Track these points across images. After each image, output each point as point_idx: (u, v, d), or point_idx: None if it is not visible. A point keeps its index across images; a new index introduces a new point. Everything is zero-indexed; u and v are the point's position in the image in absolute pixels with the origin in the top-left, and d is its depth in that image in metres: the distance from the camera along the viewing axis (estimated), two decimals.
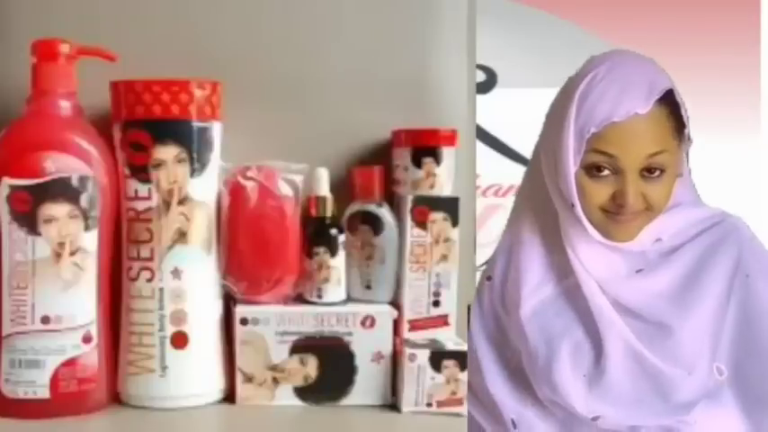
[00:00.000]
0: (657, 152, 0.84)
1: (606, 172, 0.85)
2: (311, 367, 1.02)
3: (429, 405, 1.01)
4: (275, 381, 1.02)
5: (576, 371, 0.87)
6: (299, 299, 1.05)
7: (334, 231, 1.05)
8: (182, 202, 1.00)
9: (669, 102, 0.85)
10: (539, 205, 0.93)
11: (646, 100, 0.83)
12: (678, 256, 0.89)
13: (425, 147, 1.06)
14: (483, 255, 1.46)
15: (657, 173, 0.85)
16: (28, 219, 0.95)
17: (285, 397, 1.02)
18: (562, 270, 0.91)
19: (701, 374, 0.86)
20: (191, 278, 1.00)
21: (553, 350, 0.88)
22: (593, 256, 0.89)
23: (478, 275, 1.09)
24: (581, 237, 0.88)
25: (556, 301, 0.91)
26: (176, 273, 1.00)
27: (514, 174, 1.62)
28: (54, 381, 0.96)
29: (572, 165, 0.85)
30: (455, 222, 1.06)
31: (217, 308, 1.04)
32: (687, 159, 0.90)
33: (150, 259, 1.00)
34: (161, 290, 1.00)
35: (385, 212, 1.07)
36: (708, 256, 0.88)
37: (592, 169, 0.85)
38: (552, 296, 0.91)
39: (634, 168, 0.84)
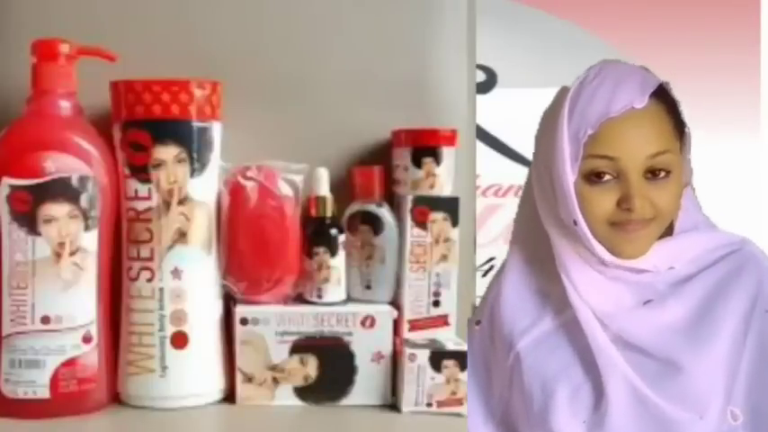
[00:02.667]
0: (660, 152, 0.78)
1: (607, 177, 0.79)
2: (311, 367, 1.02)
3: (429, 405, 1.01)
4: (275, 381, 1.02)
5: (574, 417, 0.80)
6: (299, 299, 1.05)
7: (334, 231, 1.05)
8: (182, 202, 1.00)
9: (665, 100, 0.80)
10: (531, 236, 0.86)
11: (641, 93, 0.78)
12: (690, 286, 0.81)
13: (425, 147, 1.06)
14: (483, 255, 1.46)
15: (663, 175, 0.79)
16: (28, 219, 0.95)
17: (285, 397, 1.02)
18: (558, 303, 0.84)
19: (714, 419, 0.77)
20: (191, 278, 1.00)
21: (549, 394, 0.81)
22: (593, 286, 0.82)
23: (479, 275, 1.09)
24: (579, 265, 0.82)
25: (551, 337, 0.84)
26: (176, 273, 1.00)
27: (514, 174, 1.63)
28: (54, 381, 0.96)
29: (570, 174, 0.79)
30: (455, 222, 1.06)
31: (217, 308, 1.04)
32: (691, 170, 0.84)
33: (150, 259, 1.00)
34: (161, 290, 1.00)
35: (385, 212, 1.07)
36: (723, 287, 0.81)
37: (591, 176, 0.79)
38: (547, 332, 0.84)
39: (637, 170, 0.78)
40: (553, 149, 0.80)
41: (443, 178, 1.07)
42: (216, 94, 1.02)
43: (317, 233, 1.05)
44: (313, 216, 1.05)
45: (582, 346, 0.82)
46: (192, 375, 1.01)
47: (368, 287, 1.07)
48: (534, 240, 0.86)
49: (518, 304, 0.86)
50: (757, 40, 1.67)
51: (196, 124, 1.00)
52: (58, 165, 0.96)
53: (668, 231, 0.83)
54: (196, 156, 1.00)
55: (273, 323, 1.02)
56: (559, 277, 0.83)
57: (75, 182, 0.96)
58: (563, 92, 0.82)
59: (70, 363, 0.97)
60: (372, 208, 1.07)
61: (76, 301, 0.97)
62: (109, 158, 1.00)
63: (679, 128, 0.81)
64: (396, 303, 1.06)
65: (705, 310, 0.80)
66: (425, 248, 1.06)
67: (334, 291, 1.05)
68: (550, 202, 0.82)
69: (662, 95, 0.80)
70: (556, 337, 0.84)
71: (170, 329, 1.00)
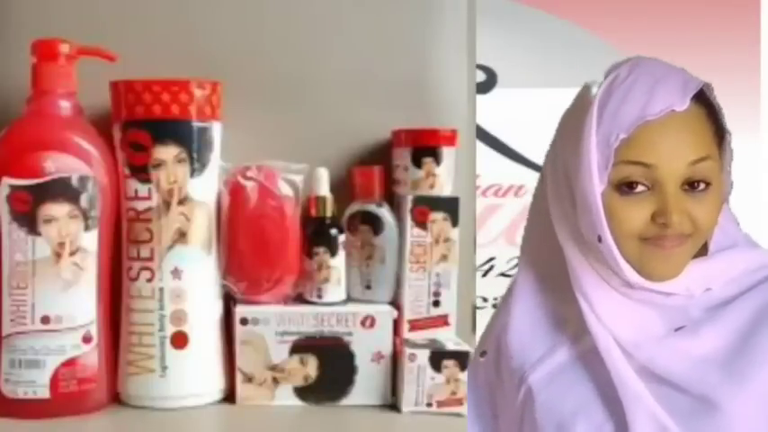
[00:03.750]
0: (701, 158, 0.69)
1: (641, 188, 0.70)
2: (311, 367, 1.02)
3: (429, 405, 1.01)
4: (275, 381, 1.02)
5: None
6: (299, 299, 1.05)
7: (334, 231, 1.05)
8: (182, 202, 1.00)
9: (705, 103, 0.71)
10: (544, 252, 0.77)
11: (682, 94, 0.69)
12: (729, 310, 0.71)
13: (425, 147, 1.06)
14: (483, 255, 1.46)
15: (702, 186, 0.70)
16: (28, 219, 0.95)
17: (285, 397, 1.02)
18: (576, 329, 0.74)
19: None
20: (191, 278, 1.00)
21: None
22: (615, 310, 0.72)
23: (479, 275, 1.08)
24: (599, 285, 0.73)
25: (568, 369, 0.74)
26: (176, 273, 1.00)
27: (514, 174, 1.63)
28: (54, 381, 0.96)
29: (597, 184, 0.69)
30: (455, 222, 1.06)
31: (217, 308, 1.04)
32: (731, 183, 0.75)
33: (150, 259, 1.00)
34: (161, 290, 1.00)
35: (385, 212, 1.07)
36: (767, 313, 0.71)
37: (623, 186, 0.70)
38: (563, 364, 0.74)
39: (675, 180, 0.69)
40: (578, 155, 0.70)
41: (443, 178, 1.07)
42: (216, 94, 1.02)
43: (317, 233, 1.05)
44: (313, 216, 1.05)
45: (603, 380, 0.72)
46: (192, 375, 1.01)
47: (368, 287, 1.07)
48: (548, 257, 0.77)
49: (529, 332, 0.76)
50: (757, 40, 1.67)
51: (196, 124, 1.00)
52: (58, 165, 0.96)
53: (700, 252, 0.74)
54: (196, 156, 1.00)
55: (273, 323, 1.02)
56: (576, 300, 0.74)
57: (75, 182, 0.96)
58: (586, 91, 0.73)
59: (70, 363, 0.97)
60: (372, 208, 1.07)
61: (76, 301, 0.97)
62: (109, 158, 1.00)
63: (719, 135, 0.72)
64: (396, 303, 1.06)
65: (746, 338, 0.70)
66: (425, 248, 1.06)
67: (334, 291, 1.05)
68: (568, 213, 0.74)
69: (701, 98, 0.71)
70: (573, 369, 0.74)
71: (170, 329, 1.00)
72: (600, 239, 0.70)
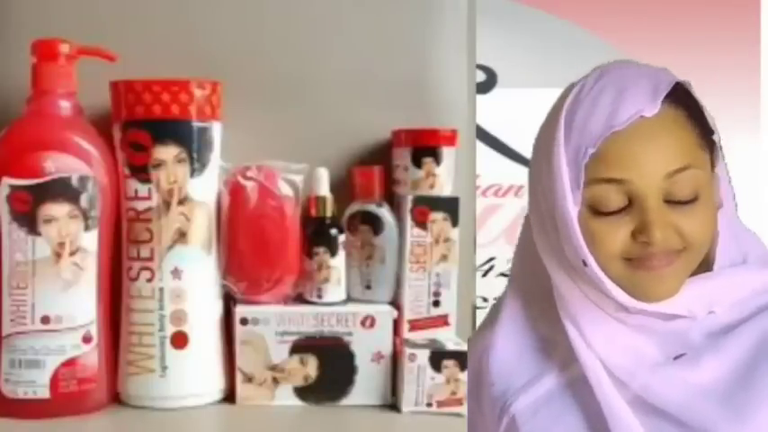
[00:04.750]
0: (681, 168, 0.64)
1: (616, 205, 0.65)
2: (311, 367, 1.02)
3: (429, 405, 1.01)
4: (275, 381, 1.02)
5: None
6: (299, 299, 1.05)
7: (334, 231, 1.05)
8: (182, 202, 1.00)
9: (685, 105, 0.66)
10: (533, 275, 0.72)
11: (652, 98, 0.63)
12: (733, 337, 0.66)
13: (425, 147, 1.06)
14: (483, 255, 1.46)
15: (688, 199, 0.64)
16: (28, 219, 0.95)
17: (285, 397, 1.02)
18: (565, 355, 0.69)
19: None
20: (191, 278, 1.00)
21: None
22: (607, 336, 0.67)
23: (479, 275, 1.08)
24: (590, 310, 0.68)
25: (555, 398, 0.69)
26: (176, 273, 1.00)
27: (514, 174, 1.63)
28: (54, 381, 0.96)
29: (571, 205, 0.64)
30: (455, 222, 1.06)
31: (217, 308, 1.04)
32: (730, 187, 0.69)
33: (150, 259, 1.00)
34: (161, 290, 1.00)
35: (385, 212, 1.07)
36: None
37: (598, 206, 0.65)
38: (551, 392, 0.69)
39: (654, 193, 0.64)
40: (550, 175, 0.66)
41: (443, 178, 1.07)
42: (216, 94, 1.02)
43: (317, 233, 1.05)
44: (313, 216, 1.05)
45: (593, 411, 0.67)
46: (192, 375, 1.01)
47: (368, 287, 1.07)
48: (539, 280, 0.72)
49: (514, 356, 0.71)
50: (757, 40, 1.67)
51: (196, 124, 1.00)
52: (57, 165, 0.96)
53: (703, 268, 0.68)
54: (196, 156, 1.00)
55: (273, 323, 1.02)
56: (562, 326, 0.69)
57: (75, 182, 0.96)
58: (560, 103, 0.68)
59: (70, 363, 0.97)
60: (372, 208, 1.07)
61: (76, 301, 0.97)
62: (109, 158, 1.00)
63: (706, 135, 0.67)
64: (396, 303, 1.06)
65: (750, 369, 0.65)
66: (425, 248, 1.06)
67: (334, 291, 1.05)
68: (551, 237, 0.68)
69: (680, 98, 0.66)
70: (561, 398, 0.69)
71: (170, 329, 1.00)
72: (585, 264, 0.65)
